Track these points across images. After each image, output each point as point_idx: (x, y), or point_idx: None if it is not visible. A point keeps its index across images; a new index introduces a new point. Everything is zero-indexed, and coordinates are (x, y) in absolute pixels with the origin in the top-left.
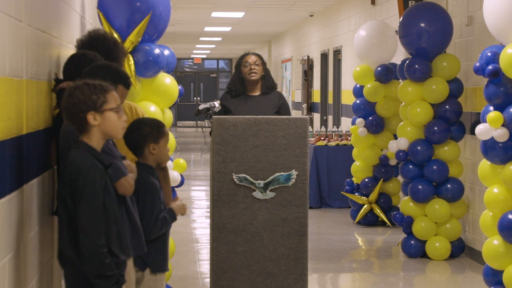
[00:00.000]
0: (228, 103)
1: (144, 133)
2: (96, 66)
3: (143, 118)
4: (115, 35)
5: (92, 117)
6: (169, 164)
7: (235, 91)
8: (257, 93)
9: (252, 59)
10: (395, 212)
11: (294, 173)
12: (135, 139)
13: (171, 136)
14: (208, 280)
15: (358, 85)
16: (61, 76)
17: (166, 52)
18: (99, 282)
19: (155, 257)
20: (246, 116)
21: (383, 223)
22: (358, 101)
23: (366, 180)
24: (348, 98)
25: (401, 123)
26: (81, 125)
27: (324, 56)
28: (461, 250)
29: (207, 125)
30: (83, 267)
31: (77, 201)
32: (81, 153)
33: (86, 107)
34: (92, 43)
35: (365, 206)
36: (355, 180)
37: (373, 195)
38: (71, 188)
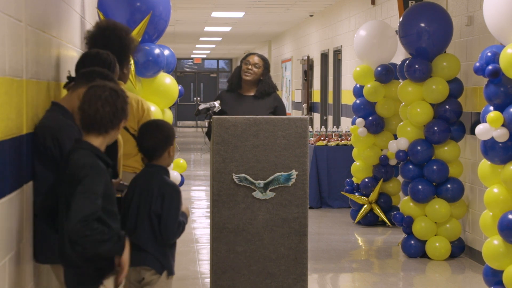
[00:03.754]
0: (222, 101)
1: (166, 136)
2: (95, 71)
3: (157, 120)
4: None
5: (123, 124)
6: None
7: (231, 85)
8: (250, 93)
9: (253, 59)
10: (395, 212)
11: (294, 173)
12: (154, 143)
13: None
14: (208, 280)
15: (358, 85)
16: (73, 74)
17: (166, 52)
18: (101, 251)
19: (171, 261)
20: (246, 116)
21: (383, 223)
22: (358, 101)
23: (366, 180)
24: (348, 98)
25: (401, 123)
26: (107, 129)
27: (324, 56)
28: (461, 250)
29: (207, 125)
30: (84, 267)
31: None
32: (86, 154)
33: (123, 115)
34: (104, 33)
35: (365, 206)
36: (355, 180)
37: (373, 195)
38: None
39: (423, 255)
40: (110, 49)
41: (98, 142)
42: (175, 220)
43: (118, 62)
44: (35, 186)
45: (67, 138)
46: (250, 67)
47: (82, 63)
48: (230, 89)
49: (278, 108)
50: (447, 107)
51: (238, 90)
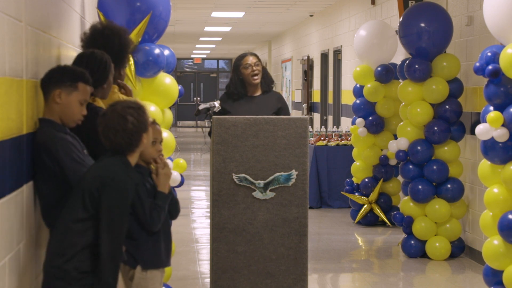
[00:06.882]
0: (228, 107)
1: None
2: (51, 70)
3: None
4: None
5: (147, 135)
6: (169, 164)
7: (237, 94)
8: (258, 93)
9: (252, 60)
10: (395, 212)
11: (294, 173)
12: None
13: (171, 136)
14: (208, 280)
15: (358, 85)
16: None
17: (166, 52)
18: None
19: (145, 252)
20: (246, 116)
21: (383, 223)
22: (358, 101)
23: (366, 180)
24: (348, 98)
25: (401, 123)
26: (129, 151)
27: (324, 56)
28: (461, 250)
29: (207, 125)
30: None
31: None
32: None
33: (140, 132)
34: (104, 32)
35: (365, 206)
36: (355, 180)
37: (373, 195)
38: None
39: (423, 255)
40: (110, 48)
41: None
42: (143, 212)
43: (116, 61)
44: (42, 202)
45: (62, 153)
46: (254, 68)
47: (77, 64)
48: (236, 98)
49: (282, 109)
50: (447, 107)
51: (246, 95)
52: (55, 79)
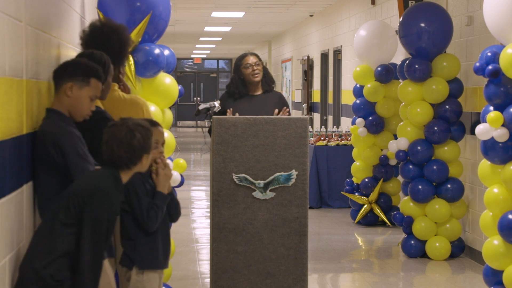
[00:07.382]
0: (229, 105)
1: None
2: (65, 64)
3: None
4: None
5: (149, 156)
6: (169, 164)
7: (238, 93)
8: (259, 92)
9: (252, 60)
10: (395, 212)
11: (294, 173)
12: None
13: (171, 136)
14: (208, 280)
15: (358, 85)
16: None
17: (166, 52)
18: None
19: (142, 253)
20: (246, 116)
21: (383, 223)
22: (358, 101)
23: (366, 180)
24: (348, 98)
25: (401, 123)
26: (127, 167)
27: (324, 56)
28: (461, 250)
29: (207, 125)
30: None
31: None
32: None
33: (144, 151)
34: (103, 30)
35: (365, 206)
36: (355, 180)
37: (373, 195)
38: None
39: (423, 255)
40: (109, 46)
41: (122, 176)
42: (140, 212)
43: (116, 59)
44: (39, 193)
45: (69, 145)
46: (255, 67)
47: None
48: (237, 97)
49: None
50: (447, 107)
51: (247, 94)
52: (69, 71)
